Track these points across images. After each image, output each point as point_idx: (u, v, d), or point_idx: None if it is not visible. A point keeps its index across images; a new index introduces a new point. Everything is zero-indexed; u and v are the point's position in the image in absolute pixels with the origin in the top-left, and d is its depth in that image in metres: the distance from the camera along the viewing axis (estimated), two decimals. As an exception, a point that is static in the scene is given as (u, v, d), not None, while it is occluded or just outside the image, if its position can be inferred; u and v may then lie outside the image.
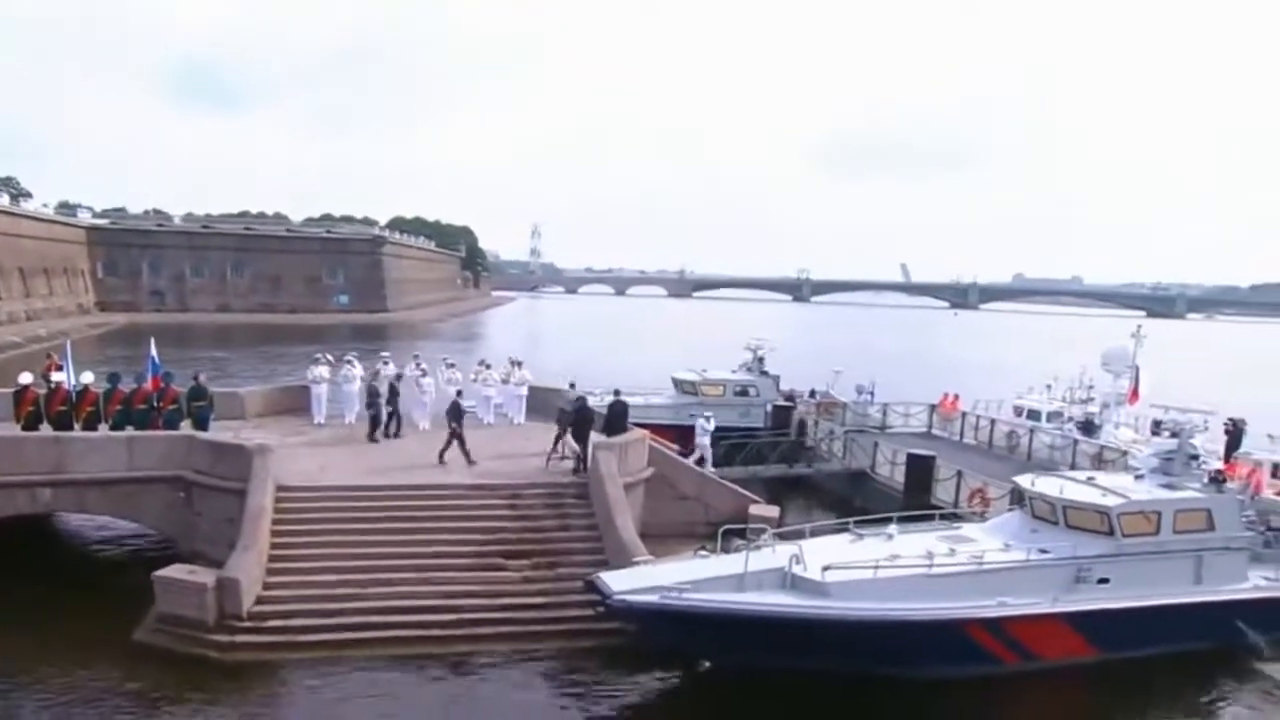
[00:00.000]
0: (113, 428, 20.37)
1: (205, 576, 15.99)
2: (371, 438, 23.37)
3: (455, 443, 21.18)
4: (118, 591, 18.02)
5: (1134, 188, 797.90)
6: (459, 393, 24.22)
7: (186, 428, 20.95)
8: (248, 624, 15.80)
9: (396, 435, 23.86)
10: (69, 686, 14.33)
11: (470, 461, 20.99)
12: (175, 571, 16.39)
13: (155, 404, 20.97)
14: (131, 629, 16.02)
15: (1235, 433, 27.23)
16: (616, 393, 22.65)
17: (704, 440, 28.18)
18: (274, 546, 17.27)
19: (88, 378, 21.21)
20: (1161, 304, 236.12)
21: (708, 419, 28.78)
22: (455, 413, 21.62)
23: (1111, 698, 15.95)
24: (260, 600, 16.24)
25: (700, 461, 27.08)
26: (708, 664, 15.73)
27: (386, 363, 26.67)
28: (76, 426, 20.22)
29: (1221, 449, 25.74)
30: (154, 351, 22.65)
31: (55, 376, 20.97)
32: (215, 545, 17.94)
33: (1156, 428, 24.90)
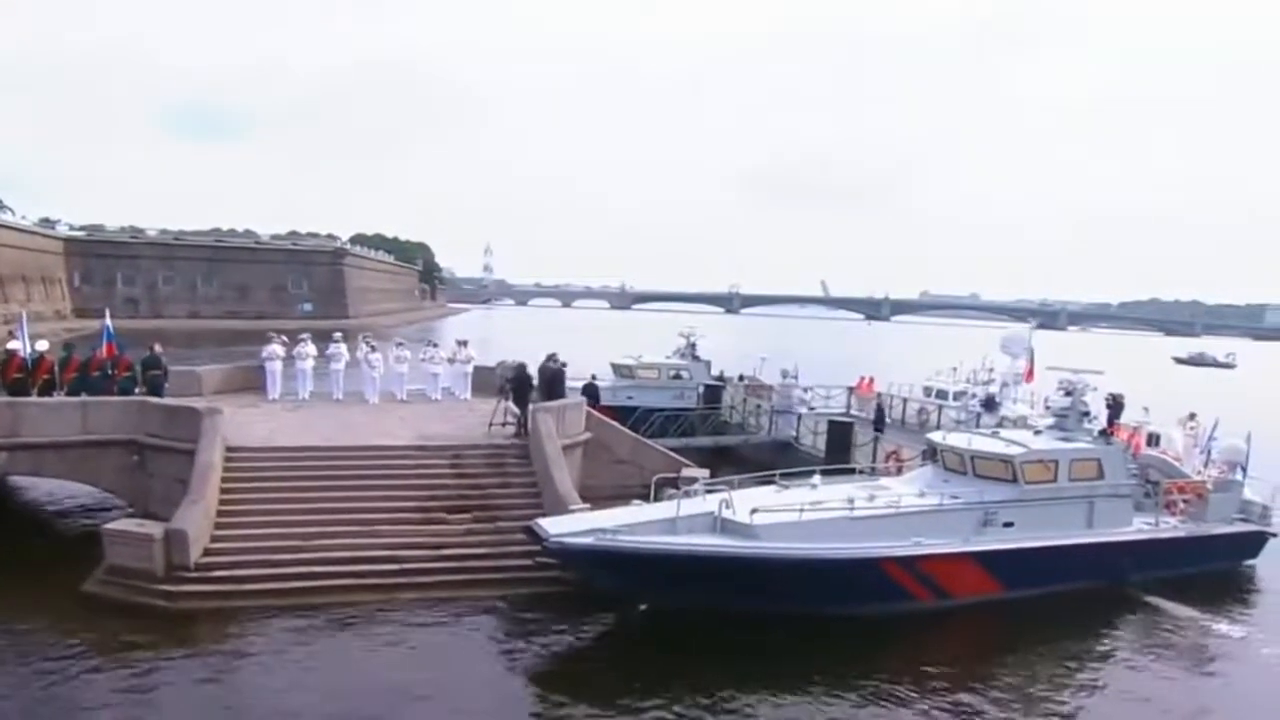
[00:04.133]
0: (68, 394, 19.11)
1: (153, 529, 15.00)
2: None
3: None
4: (70, 549, 16.99)
5: (1023, 219, 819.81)
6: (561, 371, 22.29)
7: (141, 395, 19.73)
8: (195, 574, 14.82)
9: None
10: (18, 636, 13.32)
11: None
12: (124, 524, 15.47)
13: (110, 371, 19.74)
14: (82, 582, 14.97)
15: (1116, 406, 27.65)
16: (551, 357, 21.82)
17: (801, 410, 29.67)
18: (223, 503, 16.30)
19: (43, 346, 19.93)
20: (1047, 317, 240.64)
21: (806, 390, 30.17)
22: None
23: (1018, 632, 15.74)
24: (208, 552, 15.26)
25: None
26: (644, 607, 15.07)
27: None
28: (33, 393, 18.91)
29: (1104, 420, 25.95)
30: (109, 321, 21.32)
31: (10, 345, 19.64)
32: (168, 506, 16.74)
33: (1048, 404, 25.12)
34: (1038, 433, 18.61)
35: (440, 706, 12.09)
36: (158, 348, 20.99)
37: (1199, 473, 21.58)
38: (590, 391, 25.24)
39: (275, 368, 24.45)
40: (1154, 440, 24.42)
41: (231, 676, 12.56)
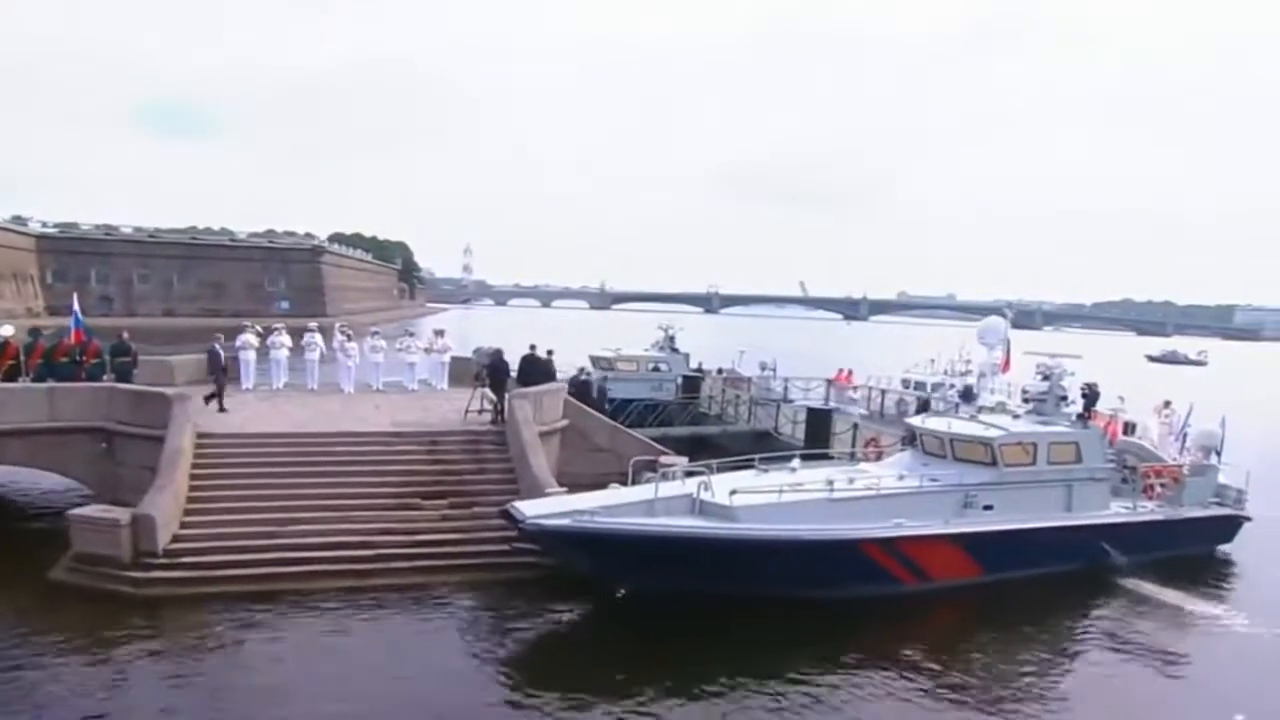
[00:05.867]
0: (34, 380, 18.64)
1: (120, 514, 14.63)
2: None
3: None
4: (36, 537, 16.69)
5: (1002, 220, 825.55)
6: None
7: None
8: (163, 560, 14.45)
9: None
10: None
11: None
12: (90, 510, 15.07)
13: (78, 358, 19.27)
14: (48, 570, 14.60)
15: (1091, 395, 27.77)
16: (532, 347, 21.57)
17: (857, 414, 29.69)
18: (193, 489, 15.96)
19: (7, 331, 19.42)
20: (1023, 317, 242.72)
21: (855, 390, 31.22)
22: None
23: (997, 613, 15.67)
24: (177, 539, 14.92)
25: None
26: (622, 592, 14.82)
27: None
28: (-3, 379, 18.45)
29: (1080, 409, 26.04)
30: (77, 306, 20.81)
31: (-27, 331, 19.12)
32: (137, 494, 16.31)
33: (1025, 395, 25.18)
34: (1016, 417, 18.55)
35: (416, 692, 11.79)
36: (126, 335, 20.54)
37: (1175, 459, 21.67)
38: (583, 387, 24.95)
39: (249, 357, 23.97)
40: (1130, 428, 24.54)
41: (200, 663, 12.24)
